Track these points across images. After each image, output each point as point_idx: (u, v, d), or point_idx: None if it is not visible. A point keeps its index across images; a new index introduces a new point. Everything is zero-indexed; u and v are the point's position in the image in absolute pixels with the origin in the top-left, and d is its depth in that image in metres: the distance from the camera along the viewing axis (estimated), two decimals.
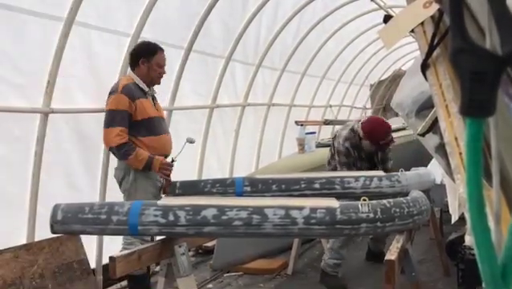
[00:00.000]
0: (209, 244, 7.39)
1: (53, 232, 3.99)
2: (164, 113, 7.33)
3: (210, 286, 6.69)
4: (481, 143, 0.91)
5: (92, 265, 5.45)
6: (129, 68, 5.76)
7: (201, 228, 3.80)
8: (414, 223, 4.24)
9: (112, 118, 5.33)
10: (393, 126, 7.41)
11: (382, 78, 18.29)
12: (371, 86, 18.46)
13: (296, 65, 11.54)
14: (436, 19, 1.89)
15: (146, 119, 5.43)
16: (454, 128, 1.59)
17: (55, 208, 3.91)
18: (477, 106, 0.89)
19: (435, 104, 1.78)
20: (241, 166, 9.71)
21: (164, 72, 5.69)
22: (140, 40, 6.42)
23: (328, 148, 7.05)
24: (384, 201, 4.05)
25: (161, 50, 5.65)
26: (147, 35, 6.64)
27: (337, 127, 14.56)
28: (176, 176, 5.66)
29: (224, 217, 3.78)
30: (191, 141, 5.81)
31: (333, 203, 3.92)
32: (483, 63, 0.87)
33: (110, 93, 5.44)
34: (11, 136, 5.38)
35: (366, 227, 3.89)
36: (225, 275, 6.99)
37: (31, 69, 5.47)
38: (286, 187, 5.34)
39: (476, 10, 1.25)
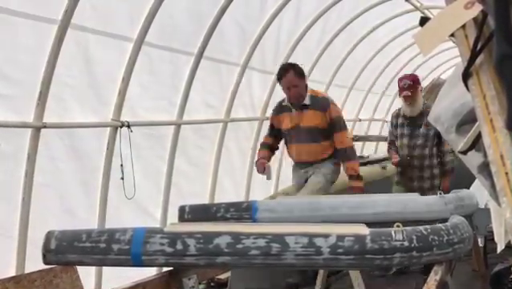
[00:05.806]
0: (223, 276, 7.36)
1: (46, 262, 3.98)
2: (172, 128, 7.38)
3: None
4: None
5: None
6: None
7: (214, 258, 3.79)
8: (454, 253, 4.21)
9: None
10: None
11: None
12: None
13: (321, 74, 11.50)
14: (480, 22, 1.90)
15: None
16: (500, 144, 1.59)
17: (48, 235, 3.91)
18: None
19: (478, 118, 1.78)
20: (258, 188, 9.68)
21: (295, 92, 6.75)
22: (143, 45, 6.47)
23: None
24: (421, 228, 4.02)
25: (285, 73, 6.69)
26: (151, 40, 6.67)
27: (368, 143, 14.53)
28: (184, 199, 5.66)
29: (239, 246, 3.76)
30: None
31: (363, 230, 3.91)
32: None
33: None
34: None
35: (400, 257, 3.87)
36: None
37: (21, 78, 5.49)
38: (310, 212, 5.33)
39: None
